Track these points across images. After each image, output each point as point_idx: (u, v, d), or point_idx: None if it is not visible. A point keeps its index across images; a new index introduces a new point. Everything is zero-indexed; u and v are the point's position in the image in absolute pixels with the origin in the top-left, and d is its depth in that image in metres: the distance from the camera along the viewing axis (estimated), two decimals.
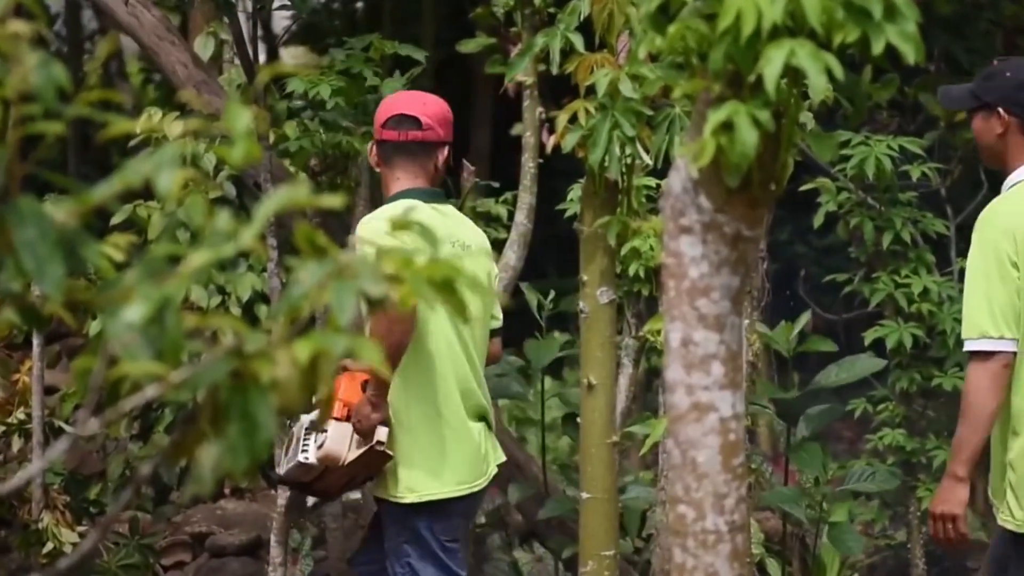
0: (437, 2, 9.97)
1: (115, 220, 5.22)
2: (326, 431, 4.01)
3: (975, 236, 3.80)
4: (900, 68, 3.25)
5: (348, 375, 4.06)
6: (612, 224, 3.85)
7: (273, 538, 4.96)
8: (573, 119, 3.74)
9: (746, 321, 4.00)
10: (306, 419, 4.10)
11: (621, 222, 3.86)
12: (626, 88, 3.67)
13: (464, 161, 5.71)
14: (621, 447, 4.28)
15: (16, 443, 5.41)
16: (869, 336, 5.86)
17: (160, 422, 6.10)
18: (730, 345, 2.19)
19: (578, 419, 4.10)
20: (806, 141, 4.07)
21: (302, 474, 4.10)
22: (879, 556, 6.76)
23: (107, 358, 1.43)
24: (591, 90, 3.74)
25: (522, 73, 4.91)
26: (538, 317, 5.03)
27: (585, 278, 3.92)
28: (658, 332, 4.59)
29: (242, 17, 6.07)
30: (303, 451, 4.06)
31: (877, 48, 1.95)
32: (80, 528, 5.29)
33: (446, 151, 4.22)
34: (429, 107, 4.20)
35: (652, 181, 4.74)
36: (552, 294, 5.04)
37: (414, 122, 4.15)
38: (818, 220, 6.18)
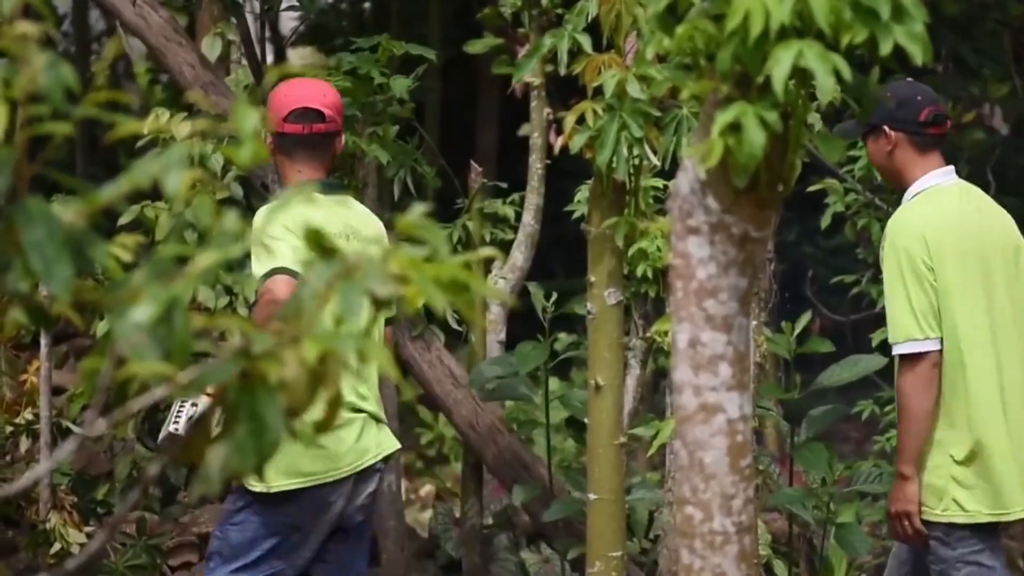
0: (444, 2, 9.98)
1: (123, 220, 5.22)
2: (197, 405, 4.00)
3: (886, 245, 4.01)
4: (908, 68, 3.25)
5: None
6: (620, 225, 3.85)
7: None
8: (581, 120, 3.74)
9: (754, 322, 4.00)
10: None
11: (629, 223, 3.86)
12: (634, 89, 3.67)
13: (471, 162, 5.71)
14: (628, 448, 4.27)
15: (24, 443, 5.41)
16: (876, 337, 5.85)
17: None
18: (738, 346, 2.19)
19: (583, 421, 4.09)
20: (814, 142, 4.07)
21: (173, 444, 4.10)
22: (886, 557, 6.74)
23: (115, 358, 1.43)
24: (599, 91, 3.74)
25: (529, 74, 4.91)
26: (541, 318, 5.02)
27: (592, 279, 3.92)
28: (665, 333, 4.59)
29: (249, 18, 6.09)
30: (174, 422, 4.06)
31: (885, 49, 1.95)
32: (87, 528, 5.29)
33: (342, 139, 4.25)
34: (328, 97, 4.20)
35: (660, 182, 4.74)
36: (555, 296, 5.02)
37: (318, 115, 4.14)
38: (825, 221, 6.18)
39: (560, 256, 8.81)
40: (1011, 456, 3.95)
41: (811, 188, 6.06)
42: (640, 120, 3.69)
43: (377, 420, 4.17)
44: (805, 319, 4.85)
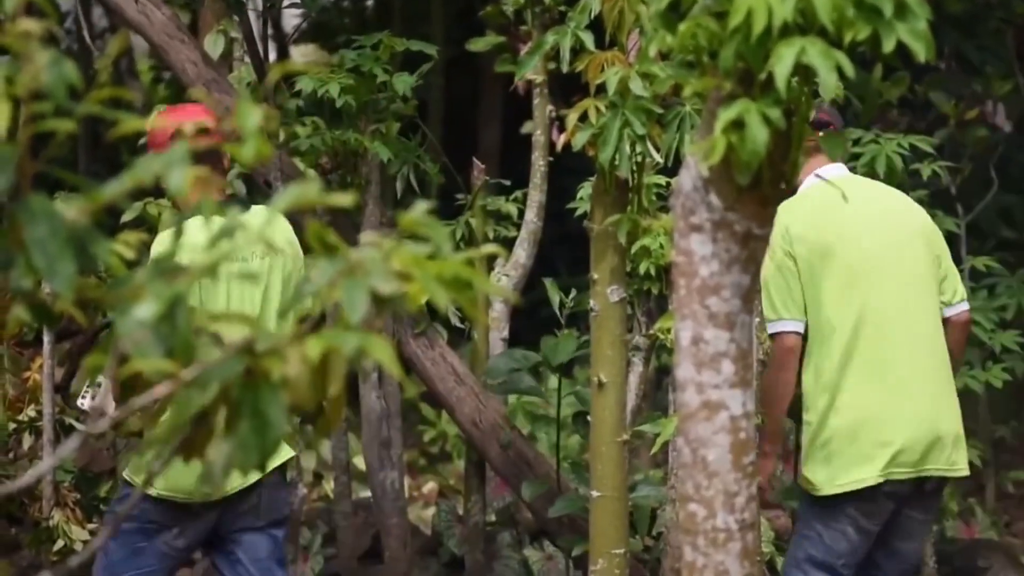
0: (447, 0, 9.97)
1: (126, 218, 5.22)
2: (99, 385, 4.06)
3: None
4: (910, 66, 3.25)
5: None
6: (622, 222, 3.85)
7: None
8: (583, 117, 3.74)
9: (756, 319, 4.01)
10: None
11: (631, 220, 3.86)
12: (636, 86, 3.67)
13: (474, 159, 5.71)
14: (631, 445, 4.27)
15: (27, 440, 5.41)
16: None
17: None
18: (740, 343, 2.19)
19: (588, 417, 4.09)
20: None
21: (85, 420, 4.18)
22: None
23: (118, 356, 1.43)
24: (601, 88, 3.74)
25: (532, 71, 4.91)
26: (559, 314, 5.03)
27: (595, 276, 3.92)
28: (668, 330, 4.59)
29: (252, 15, 6.08)
30: (82, 398, 4.14)
31: (888, 46, 1.95)
32: (90, 525, 5.29)
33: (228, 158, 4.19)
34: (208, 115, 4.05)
35: (662, 179, 4.74)
36: (573, 292, 5.05)
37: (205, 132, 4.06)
38: None
39: (563, 253, 8.81)
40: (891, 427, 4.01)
41: None
42: (643, 117, 3.69)
43: None
44: None
